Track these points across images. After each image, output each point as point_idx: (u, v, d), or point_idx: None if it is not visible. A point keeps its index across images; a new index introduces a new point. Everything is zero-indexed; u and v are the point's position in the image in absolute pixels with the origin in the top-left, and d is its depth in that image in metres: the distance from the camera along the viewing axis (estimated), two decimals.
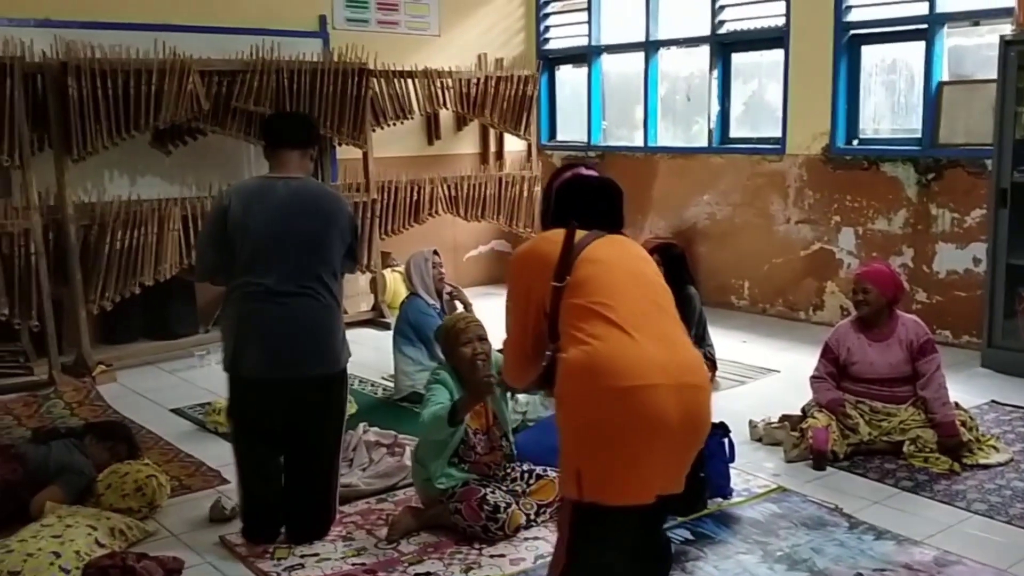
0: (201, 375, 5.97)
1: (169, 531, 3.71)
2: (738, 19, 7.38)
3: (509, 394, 4.71)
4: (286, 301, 3.45)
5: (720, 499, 3.85)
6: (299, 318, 3.47)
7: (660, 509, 2.45)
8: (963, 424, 4.29)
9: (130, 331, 6.57)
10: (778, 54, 7.09)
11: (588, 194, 2.74)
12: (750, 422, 4.63)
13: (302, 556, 3.45)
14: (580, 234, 2.54)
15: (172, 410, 5.26)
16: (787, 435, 4.37)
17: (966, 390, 5.10)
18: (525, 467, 3.84)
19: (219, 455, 4.50)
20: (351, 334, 6.78)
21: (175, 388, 5.72)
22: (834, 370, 4.49)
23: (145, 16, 6.54)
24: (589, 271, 2.46)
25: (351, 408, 5.10)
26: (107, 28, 6.25)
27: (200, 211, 6.14)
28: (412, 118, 7.59)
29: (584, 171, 2.82)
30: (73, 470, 3.88)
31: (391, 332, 5.56)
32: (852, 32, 6.68)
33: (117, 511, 3.73)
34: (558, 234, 2.55)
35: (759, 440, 4.55)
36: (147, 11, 6.58)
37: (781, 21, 7.02)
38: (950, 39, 6.30)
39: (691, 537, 3.57)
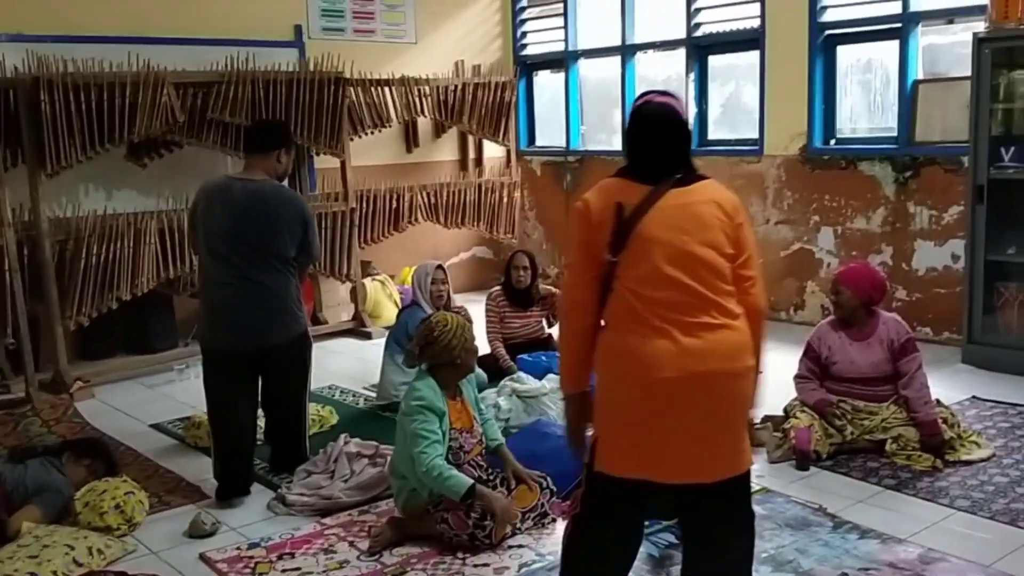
0: (181, 389, 5.91)
1: (148, 548, 3.67)
2: (714, 21, 7.39)
3: (492, 405, 4.73)
4: (238, 288, 4.03)
5: None
6: (250, 302, 4.04)
7: (703, 496, 2.52)
8: (944, 421, 4.30)
9: (109, 346, 6.49)
10: (754, 55, 7.10)
11: (648, 128, 2.59)
12: None
13: (283, 571, 3.42)
14: (634, 194, 2.47)
15: (151, 425, 5.21)
16: (770, 436, 4.37)
17: (947, 386, 5.11)
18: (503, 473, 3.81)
19: (199, 470, 4.46)
20: (332, 344, 6.78)
21: (154, 403, 5.66)
22: (817, 369, 4.49)
23: (118, 28, 6.48)
24: (638, 252, 2.45)
25: (332, 418, 5.08)
26: (80, 41, 6.18)
27: (177, 223, 6.09)
28: (390, 126, 7.56)
29: (655, 98, 2.63)
30: (50, 489, 3.84)
31: (371, 342, 5.56)
32: (827, 32, 6.70)
33: (95, 529, 3.69)
34: (624, 186, 2.51)
35: None
36: (120, 23, 6.52)
37: (757, 23, 7.03)
38: (924, 38, 6.32)
39: (675, 541, 3.53)
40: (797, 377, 4.54)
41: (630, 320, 2.46)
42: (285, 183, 4.36)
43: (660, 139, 2.57)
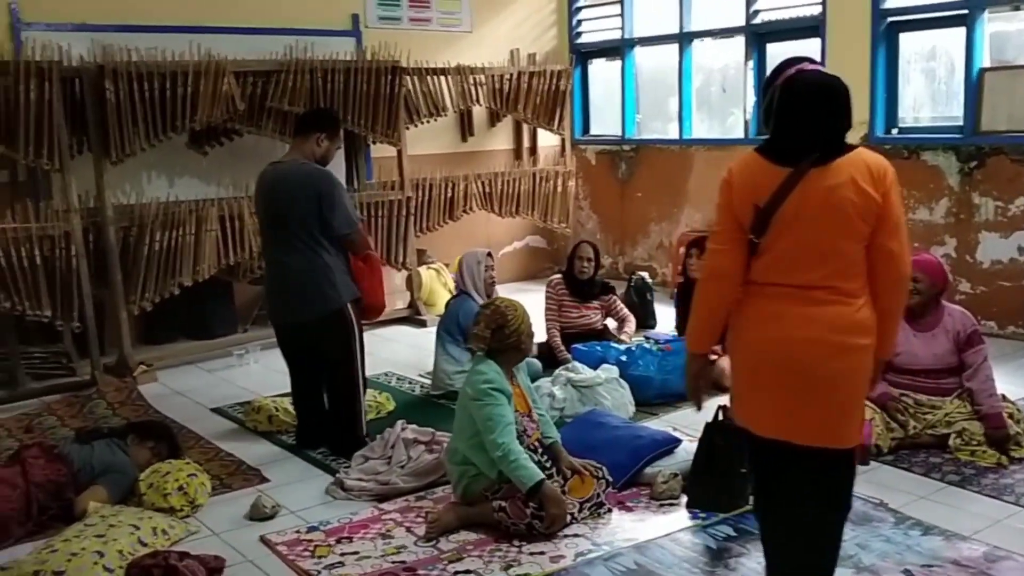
0: (240, 374, 6.01)
1: (211, 530, 3.74)
2: (773, 8, 7.29)
3: (548, 395, 4.73)
4: (273, 265, 4.46)
5: None
6: (281, 279, 4.40)
7: (827, 460, 2.62)
8: (1010, 416, 4.20)
9: (170, 331, 6.62)
10: (815, 43, 6.99)
11: (805, 101, 2.54)
12: None
13: (342, 554, 3.46)
14: (774, 178, 2.52)
15: (212, 409, 5.30)
16: None
17: (1013, 381, 5.00)
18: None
19: (259, 454, 4.54)
20: (387, 331, 6.83)
21: (215, 387, 5.76)
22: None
23: (180, 18, 6.59)
24: (776, 236, 2.54)
25: (389, 405, 5.12)
26: (143, 31, 6.31)
27: (236, 211, 6.18)
28: (445, 115, 7.58)
29: (807, 67, 2.62)
30: (116, 470, 3.92)
31: (426, 329, 5.60)
32: (890, 19, 6.57)
33: (159, 510, 3.76)
34: (763, 169, 2.57)
35: None
36: (182, 13, 6.63)
37: (817, 10, 6.92)
38: (991, 24, 6.17)
39: (734, 533, 3.53)
40: None
41: (769, 289, 2.59)
42: (329, 169, 4.47)
43: (819, 114, 2.54)
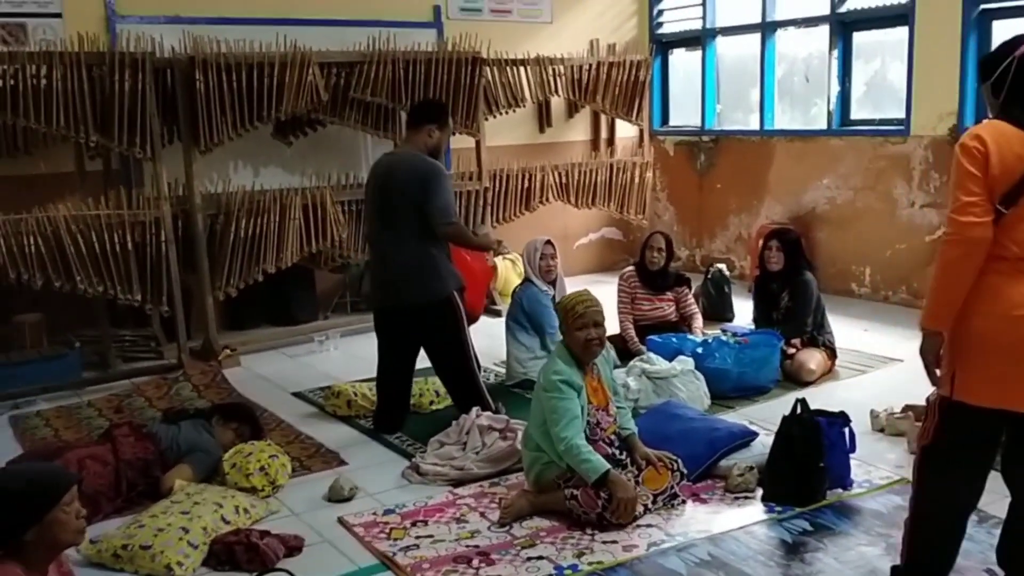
0: (321, 360, 6.14)
1: (290, 510, 3.83)
2: None
3: (622, 385, 4.72)
4: (378, 250, 4.61)
5: (840, 490, 3.76)
6: (394, 264, 4.49)
7: None
8: None
9: (253, 317, 6.80)
10: (902, 32, 6.82)
11: None
12: (871, 412, 4.49)
13: (417, 537, 3.51)
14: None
15: (293, 393, 5.42)
16: (911, 426, 4.22)
17: None
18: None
19: (338, 437, 4.63)
20: None
21: (296, 372, 5.89)
22: None
23: (267, 11, 6.75)
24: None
25: None
26: (232, 23, 6.47)
27: (320, 200, 6.30)
28: (524, 106, 7.60)
29: None
30: (201, 449, 4.04)
31: (502, 319, 5.62)
32: (982, 7, 6.37)
33: (242, 490, 3.87)
34: (1020, 138, 2.58)
35: (881, 431, 4.41)
36: (269, 6, 6.79)
37: None
38: None
39: (810, 528, 3.49)
40: None
41: (1002, 263, 2.61)
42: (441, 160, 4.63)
43: None
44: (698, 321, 5.87)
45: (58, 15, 6.18)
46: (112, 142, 5.58)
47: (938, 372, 2.78)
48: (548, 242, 5.53)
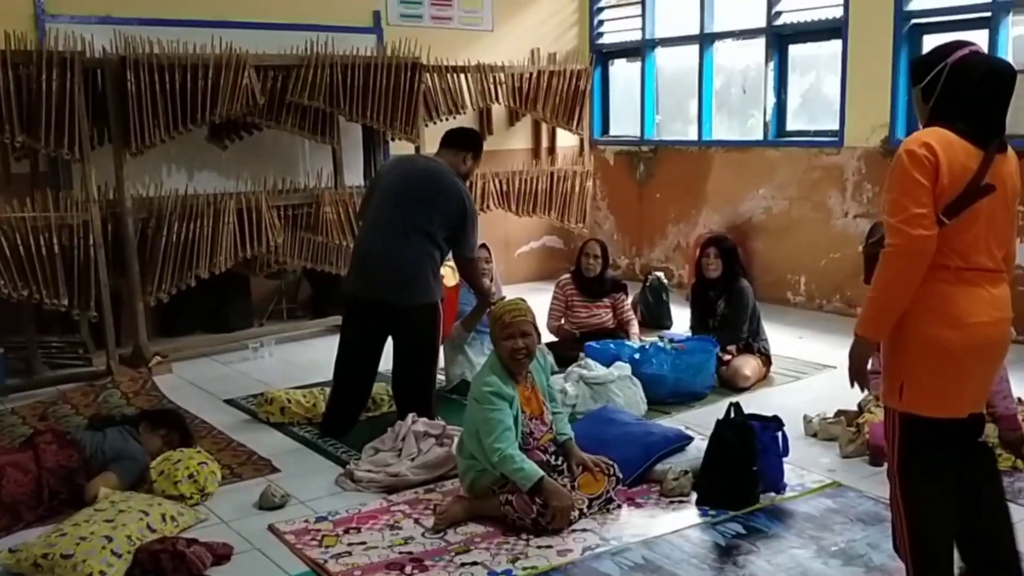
0: (255, 367, 6.03)
1: (219, 518, 3.75)
2: (795, 10, 7.26)
3: (560, 391, 4.71)
4: (385, 240, 4.45)
5: (773, 493, 3.78)
6: (390, 255, 4.42)
7: (976, 424, 2.86)
8: None
9: (186, 323, 6.66)
10: (836, 45, 6.96)
11: (993, 83, 2.64)
12: (805, 417, 4.54)
13: (349, 544, 3.45)
14: (972, 159, 2.59)
15: (225, 400, 5.32)
16: (843, 430, 4.28)
17: None
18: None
19: (270, 445, 4.55)
20: None
21: (229, 379, 5.78)
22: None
23: (202, 12, 6.64)
24: (968, 218, 2.61)
25: None
26: (165, 24, 6.36)
27: (255, 205, 6.20)
28: (464, 113, 7.57)
29: (978, 49, 2.71)
30: (127, 456, 3.94)
31: None
32: (913, 22, 6.52)
33: (169, 497, 3.78)
34: (964, 148, 2.59)
35: (814, 435, 4.46)
36: (204, 8, 6.68)
37: (839, 12, 6.88)
38: (1015, 28, 6.11)
39: (743, 531, 3.50)
40: (872, 372, 4.43)
41: (944, 272, 2.63)
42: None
43: (1005, 96, 2.65)
44: (635, 327, 5.89)
45: None
46: (39, 143, 5.43)
47: (872, 381, 2.81)
48: (483, 246, 5.50)
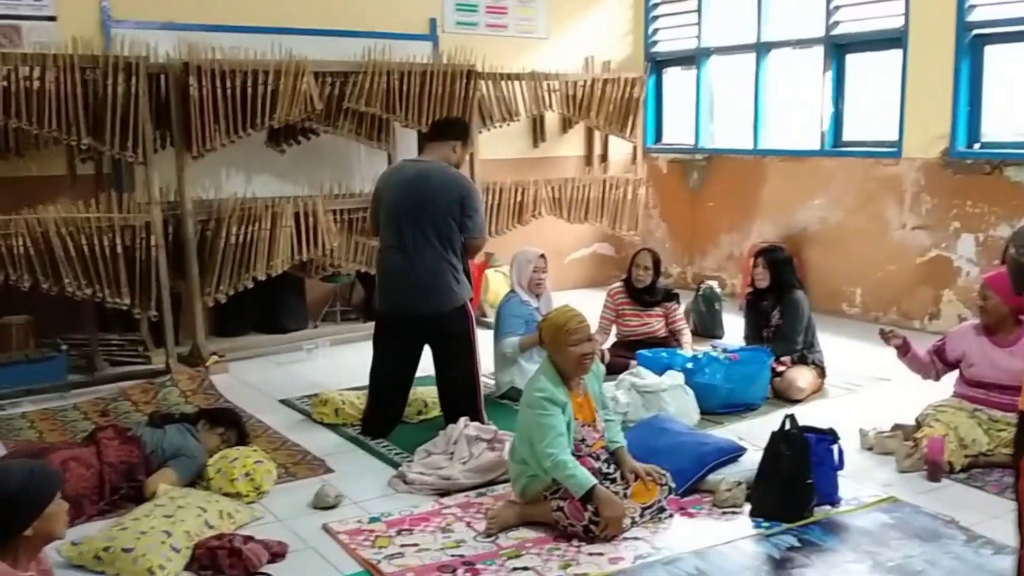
0: (309, 368, 6.11)
1: (275, 516, 3.80)
2: (853, 20, 7.18)
3: (611, 399, 4.71)
4: (401, 256, 4.51)
5: (828, 507, 3.74)
6: (409, 271, 4.49)
7: None
8: None
9: (242, 324, 6.78)
10: (895, 55, 6.87)
11: None
12: (860, 430, 4.48)
13: (402, 545, 3.48)
14: None
15: (280, 400, 5.39)
16: (900, 444, 4.22)
17: None
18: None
19: (324, 445, 4.61)
20: None
21: (284, 380, 5.86)
22: (937, 358, 4.45)
23: (263, 19, 6.76)
24: None
25: None
26: (227, 31, 6.47)
27: (311, 208, 6.28)
28: (518, 120, 7.61)
29: None
30: (186, 453, 4.01)
31: (491, 331, 5.60)
32: (975, 32, 6.42)
33: (226, 495, 3.84)
34: None
35: (870, 449, 4.40)
36: (265, 14, 6.80)
37: (899, 22, 6.80)
38: None
39: (797, 544, 3.47)
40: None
41: None
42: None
43: None
44: (686, 337, 5.86)
45: (52, 18, 6.18)
46: (104, 145, 5.56)
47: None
48: (542, 256, 5.51)
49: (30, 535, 2.46)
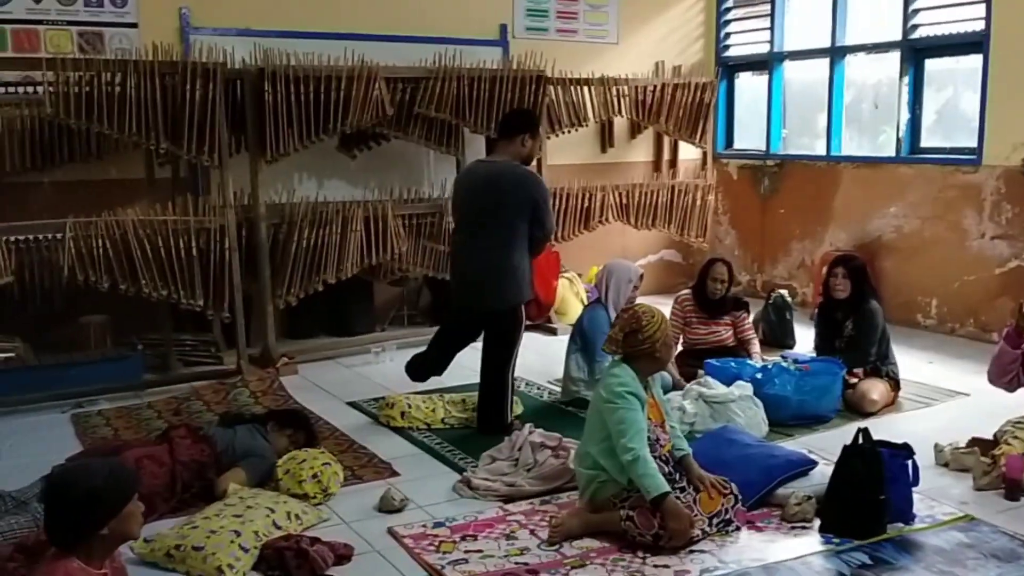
0: (377, 371, 6.16)
1: (341, 518, 3.84)
2: (933, 23, 7.00)
3: (678, 408, 4.66)
4: (468, 254, 4.73)
5: (901, 524, 3.65)
6: (473, 267, 4.69)
7: None
8: None
9: (311, 327, 6.87)
10: (976, 60, 6.69)
11: None
12: (936, 446, 4.36)
13: (466, 551, 3.49)
14: None
15: (348, 403, 5.45)
16: (977, 461, 4.10)
17: None
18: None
19: (390, 448, 4.64)
20: None
21: (352, 382, 5.92)
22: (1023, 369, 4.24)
23: (337, 26, 6.85)
24: None
25: (517, 408, 5.14)
26: (302, 37, 6.58)
27: (381, 213, 6.35)
28: (587, 125, 7.58)
29: None
30: (256, 454, 4.08)
31: (556, 338, 5.62)
32: None
33: (294, 496, 3.89)
34: None
35: (945, 465, 4.28)
36: (339, 21, 6.89)
37: (980, 25, 6.61)
38: None
39: (869, 562, 3.39)
40: None
41: None
42: (533, 166, 4.90)
43: None
44: (755, 346, 5.77)
45: (134, 25, 6.34)
46: (181, 150, 5.68)
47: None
48: (642, 275, 5.47)
49: (106, 534, 2.52)
